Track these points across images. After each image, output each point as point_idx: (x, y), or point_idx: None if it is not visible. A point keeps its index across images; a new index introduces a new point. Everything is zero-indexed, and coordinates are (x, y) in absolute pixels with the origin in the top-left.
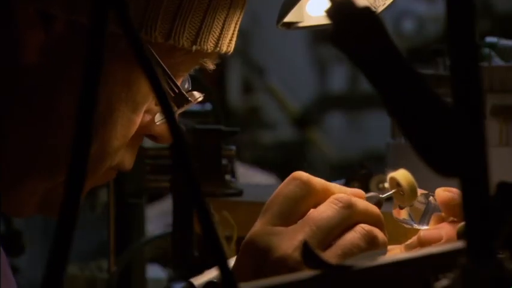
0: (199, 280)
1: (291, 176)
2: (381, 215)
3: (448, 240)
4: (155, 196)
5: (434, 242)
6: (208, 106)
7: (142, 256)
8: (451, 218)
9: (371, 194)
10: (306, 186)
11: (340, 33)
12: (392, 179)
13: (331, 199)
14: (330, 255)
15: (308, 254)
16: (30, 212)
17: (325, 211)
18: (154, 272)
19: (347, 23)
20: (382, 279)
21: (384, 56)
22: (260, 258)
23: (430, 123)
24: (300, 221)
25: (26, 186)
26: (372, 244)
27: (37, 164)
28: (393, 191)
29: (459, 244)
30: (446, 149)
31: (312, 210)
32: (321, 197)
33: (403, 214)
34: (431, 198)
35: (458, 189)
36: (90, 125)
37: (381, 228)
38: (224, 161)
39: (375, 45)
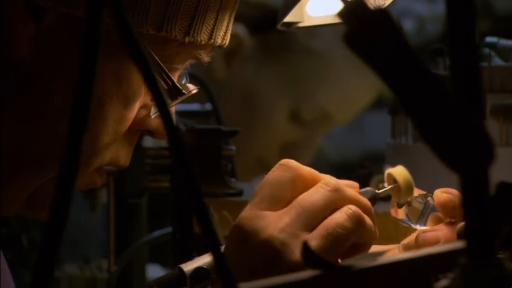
0: (189, 266)
1: (278, 162)
2: (371, 206)
3: (446, 243)
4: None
5: (431, 245)
6: (208, 106)
7: (142, 256)
8: (449, 219)
9: (366, 188)
10: (293, 171)
11: (355, 35)
12: (390, 175)
13: (319, 183)
14: (315, 236)
15: (308, 254)
16: (15, 210)
17: (311, 194)
18: (154, 272)
19: (362, 25)
20: (382, 279)
21: (400, 56)
22: (246, 241)
23: (446, 122)
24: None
25: (18, 183)
26: (358, 225)
27: (30, 159)
28: (389, 187)
29: (459, 244)
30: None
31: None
32: (309, 184)
33: (400, 214)
34: (429, 198)
35: (457, 190)
36: (84, 119)
37: (371, 219)
38: (224, 161)
39: (391, 46)
